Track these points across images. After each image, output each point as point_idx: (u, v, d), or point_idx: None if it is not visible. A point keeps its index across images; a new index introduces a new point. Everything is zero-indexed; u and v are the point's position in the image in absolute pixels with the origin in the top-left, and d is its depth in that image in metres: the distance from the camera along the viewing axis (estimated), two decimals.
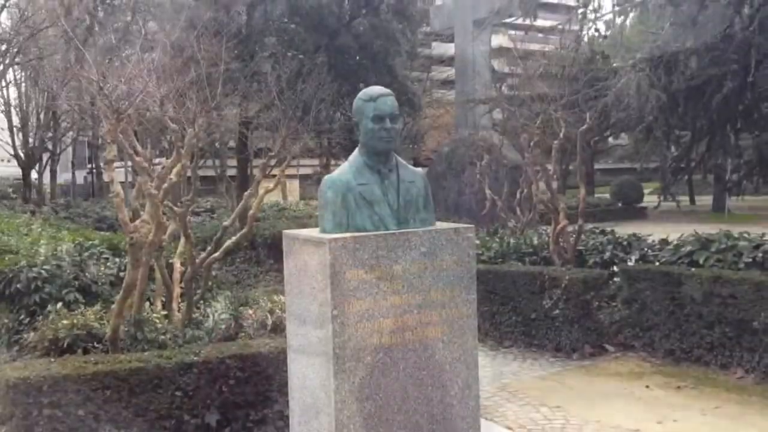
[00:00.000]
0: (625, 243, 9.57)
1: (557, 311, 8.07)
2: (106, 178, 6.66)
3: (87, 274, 6.94)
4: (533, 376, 7.33)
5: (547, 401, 6.44)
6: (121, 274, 7.66)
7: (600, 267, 9.14)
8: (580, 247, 9.57)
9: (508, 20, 17.03)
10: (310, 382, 3.88)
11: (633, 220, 27.39)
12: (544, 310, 8.23)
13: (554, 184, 10.18)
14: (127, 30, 16.37)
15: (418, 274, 3.90)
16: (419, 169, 4.21)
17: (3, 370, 4.36)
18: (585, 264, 9.29)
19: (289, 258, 4.01)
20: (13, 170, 50.08)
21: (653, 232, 10.73)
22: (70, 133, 38.94)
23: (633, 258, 9.14)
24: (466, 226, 4.14)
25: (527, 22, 14.74)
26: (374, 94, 3.95)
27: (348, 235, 3.75)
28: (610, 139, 40.28)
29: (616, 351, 8.02)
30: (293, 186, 40.16)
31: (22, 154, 37.29)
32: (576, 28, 13.00)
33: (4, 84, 31.93)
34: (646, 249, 9.21)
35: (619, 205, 31.00)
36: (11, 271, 6.73)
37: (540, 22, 18.78)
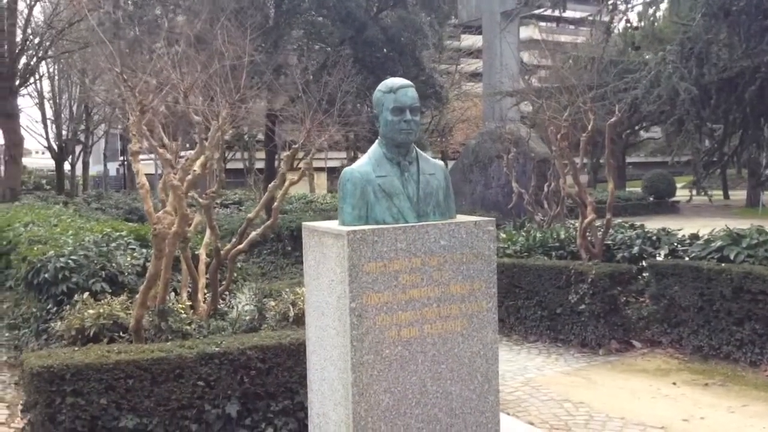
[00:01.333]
0: (654, 238, 9.42)
1: (583, 306, 7.98)
2: (133, 169, 6.72)
3: (113, 264, 7.00)
4: (558, 371, 7.26)
5: (570, 397, 6.37)
6: (148, 264, 7.74)
7: (628, 262, 9.01)
8: (608, 242, 9.45)
9: (536, 11, 16.83)
10: (329, 374, 3.87)
11: (665, 215, 27.07)
12: (570, 305, 8.15)
13: (584, 178, 10.06)
14: (154, 23, 16.51)
15: (437, 267, 3.87)
16: (439, 162, 4.17)
17: (28, 359, 4.42)
18: (613, 259, 9.16)
19: (308, 250, 4.01)
20: (48, 162, 51.07)
21: (684, 226, 10.55)
22: (102, 125, 39.48)
23: (662, 253, 9.01)
24: (487, 219, 4.10)
25: (556, 13, 14.55)
26: (394, 85, 3.92)
27: (367, 227, 3.73)
28: (642, 133, 39.75)
29: (643, 347, 7.91)
30: (321, 179, 40.27)
31: (55, 146, 37.96)
32: (606, 19, 12.81)
33: (37, 77, 32.51)
34: (675, 244, 9.07)
35: (651, 199, 30.62)
36: (39, 260, 6.83)
37: (570, 14, 18.53)
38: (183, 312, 6.31)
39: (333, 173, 47.26)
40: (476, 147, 15.48)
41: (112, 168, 52.48)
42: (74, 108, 38.49)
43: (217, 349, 4.71)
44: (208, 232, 7.03)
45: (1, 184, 20.84)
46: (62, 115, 38.83)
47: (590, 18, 12.91)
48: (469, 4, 16.59)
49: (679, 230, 9.58)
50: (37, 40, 20.74)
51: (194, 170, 5.73)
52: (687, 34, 10.85)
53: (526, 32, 24.69)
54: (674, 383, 6.66)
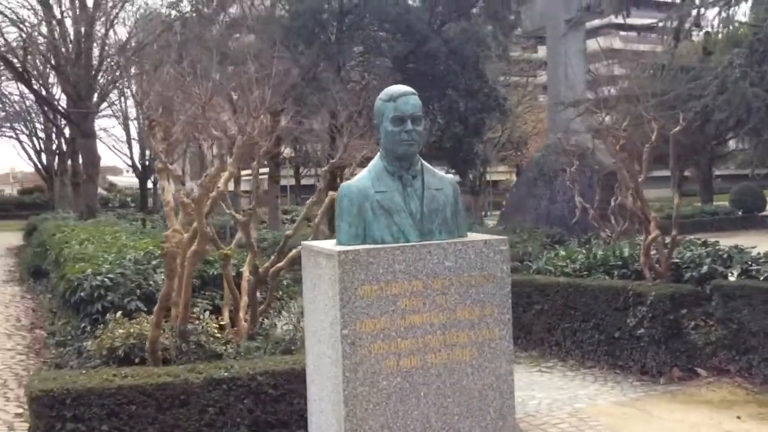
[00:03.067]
0: (725, 256, 8.70)
1: (642, 330, 7.40)
2: (158, 187, 6.72)
3: (150, 282, 6.96)
4: (611, 401, 6.72)
5: (620, 430, 5.86)
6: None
7: (697, 282, 8.34)
8: (676, 260, 8.80)
9: (599, 20, 16.16)
10: (325, 406, 3.59)
11: (753, 230, 25.51)
12: (629, 329, 7.59)
13: (659, 192, 9.44)
14: (223, 44, 16.78)
15: (441, 290, 3.54)
16: (449, 175, 3.85)
17: (31, 381, 4.33)
18: (681, 279, 8.51)
19: (306, 271, 3.76)
20: (135, 180, 53.00)
21: None
22: (182, 144, 40.63)
23: (734, 272, 8.31)
24: (499, 238, 3.74)
25: (619, 20, 13.91)
26: (394, 93, 3.62)
27: (361, 247, 3.44)
28: (731, 143, 37.88)
29: (708, 375, 7.25)
30: None
31: (138, 165, 39.31)
32: (675, 24, 12.13)
33: (114, 98, 33.81)
34: (748, 262, 8.34)
35: (739, 213, 28.99)
36: (77, 278, 6.84)
37: (636, 20, 17.72)
38: (217, 332, 6.18)
39: None
40: (541, 160, 14.96)
41: (194, 186, 53.93)
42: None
43: (225, 374, 4.51)
44: None
45: (79, 202, 21.64)
46: (145, 135, 40.18)
47: (660, 24, 12.30)
48: (533, 14, 16.14)
49: (753, 248, 8.83)
50: (113, 62, 21.51)
51: (218, 187, 5.59)
52: (758, 36, 10.09)
53: (593, 44, 23.86)
54: (738, 417, 6.03)
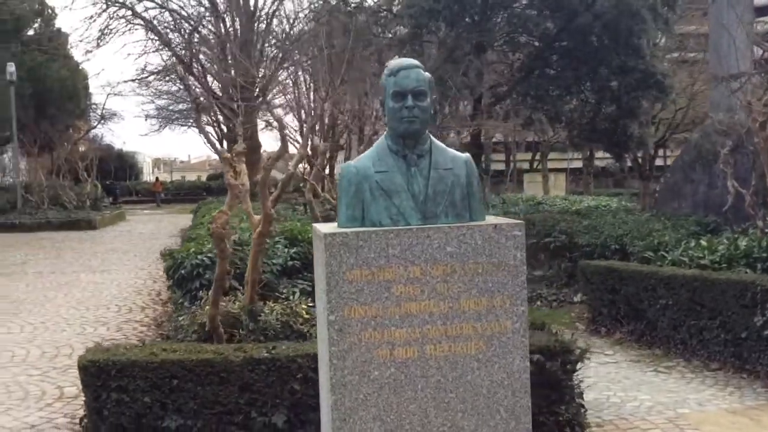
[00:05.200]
0: None
1: None
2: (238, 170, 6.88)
3: (247, 262, 7.18)
4: (723, 409, 6.00)
5: None
6: (290, 263, 7.88)
7: None
8: None
9: None
10: (323, 394, 3.48)
11: None
12: (756, 329, 6.73)
13: None
14: (367, 31, 16.98)
15: (442, 278, 3.29)
16: (463, 154, 3.54)
17: (83, 353, 4.61)
18: None
19: (315, 254, 3.65)
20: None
21: None
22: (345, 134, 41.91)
23: None
24: (513, 222, 3.40)
25: None
26: (395, 67, 3.40)
27: (350, 230, 3.28)
28: None
29: None
30: (559, 179, 38.66)
31: (309, 153, 41.15)
32: None
33: (294, 87, 35.32)
34: None
35: None
36: (181, 257, 7.22)
37: None
38: (306, 313, 6.27)
39: (577, 174, 45.25)
40: (699, 141, 13.64)
41: None
42: (325, 118, 41.31)
43: (266, 354, 4.53)
44: None
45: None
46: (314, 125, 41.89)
47: None
48: None
49: None
50: (273, 54, 22.54)
51: (289, 169, 5.64)
52: None
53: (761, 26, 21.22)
54: None
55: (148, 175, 68.81)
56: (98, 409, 4.36)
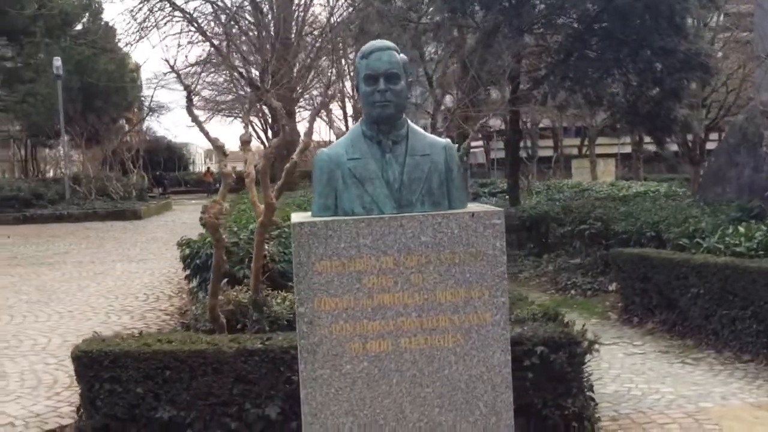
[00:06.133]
0: None
1: None
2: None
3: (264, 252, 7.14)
4: (748, 402, 5.71)
5: None
6: None
7: None
8: None
9: None
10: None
11: None
12: None
13: None
14: (402, 17, 16.81)
15: (417, 268, 3.16)
16: (443, 140, 3.39)
17: (77, 345, 4.62)
18: None
19: None
20: None
21: None
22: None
23: None
24: (491, 210, 3.25)
25: None
26: (366, 49, 3.27)
27: (318, 219, 3.17)
28: None
29: None
30: (609, 165, 37.73)
31: None
32: None
33: (339, 79, 35.43)
34: None
35: None
36: (197, 246, 7.22)
37: None
38: None
39: (628, 160, 44.11)
40: (744, 124, 13.08)
41: None
42: None
43: (260, 345, 4.46)
44: None
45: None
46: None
47: None
48: None
49: None
50: (309, 43, 22.56)
51: (293, 158, 5.56)
52: None
53: None
54: None
55: (200, 166, 69.93)
56: (92, 399, 4.37)
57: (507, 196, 25.27)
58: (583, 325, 5.18)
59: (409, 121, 3.34)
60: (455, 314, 3.18)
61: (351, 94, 41.45)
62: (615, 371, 6.71)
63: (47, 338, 7.38)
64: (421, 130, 3.39)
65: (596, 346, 4.93)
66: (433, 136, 3.41)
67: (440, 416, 3.20)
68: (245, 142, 5.68)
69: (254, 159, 5.69)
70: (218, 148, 4.81)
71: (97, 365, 4.34)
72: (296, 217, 3.40)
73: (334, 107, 43.60)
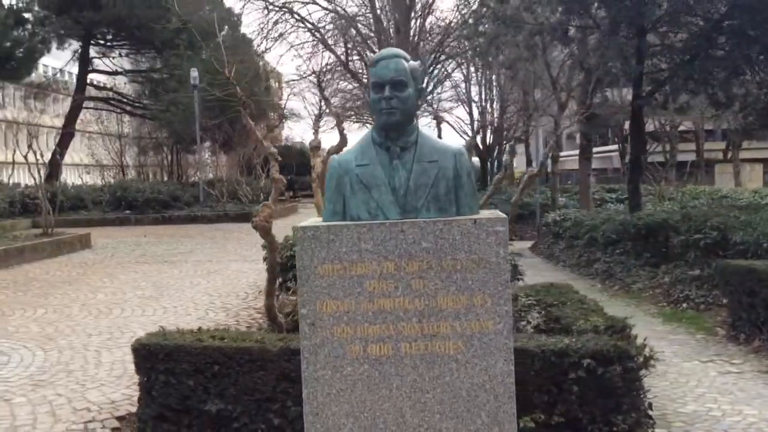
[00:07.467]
0: None
1: None
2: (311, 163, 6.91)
3: None
4: None
5: None
6: None
7: None
8: None
9: None
10: None
11: None
12: None
13: None
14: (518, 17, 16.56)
15: (418, 274, 3.17)
16: (454, 146, 3.37)
17: (139, 337, 4.94)
18: None
19: None
20: (475, 160, 55.40)
21: None
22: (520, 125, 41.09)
23: None
24: (495, 217, 3.20)
25: None
26: (375, 57, 3.32)
27: (322, 223, 3.25)
28: None
29: None
30: (756, 171, 35.07)
31: (480, 145, 40.93)
32: None
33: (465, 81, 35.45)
34: None
35: None
36: (283, 246, 7.51)
37: None
38: None
39: None
40: None
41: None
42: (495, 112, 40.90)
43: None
44: None
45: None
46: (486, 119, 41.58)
47: None
48: None
49: None
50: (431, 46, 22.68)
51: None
52: None
53: None
54: None
55: None
56: (149, 390, 4.68)
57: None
58: (645, 339, 4.94)
59: (419, 128, 3.36)
60: (456, 321, 3.16)
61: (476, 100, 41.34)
62: (701, 390, 6.33)
63: (145, 332, 7.90)
64: (433, 137, 3.40)
65: (653, 362, 4.68)
66: (444, 143, 3.40)
67: (441, 423, 3.19)
68: (315, 148, 5.87)
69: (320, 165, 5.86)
70: (271, 155, 5.00)
71: (153, 357, 4.64)
72: (304, 222, 3.50)
73: (460, 111, 43.32)
